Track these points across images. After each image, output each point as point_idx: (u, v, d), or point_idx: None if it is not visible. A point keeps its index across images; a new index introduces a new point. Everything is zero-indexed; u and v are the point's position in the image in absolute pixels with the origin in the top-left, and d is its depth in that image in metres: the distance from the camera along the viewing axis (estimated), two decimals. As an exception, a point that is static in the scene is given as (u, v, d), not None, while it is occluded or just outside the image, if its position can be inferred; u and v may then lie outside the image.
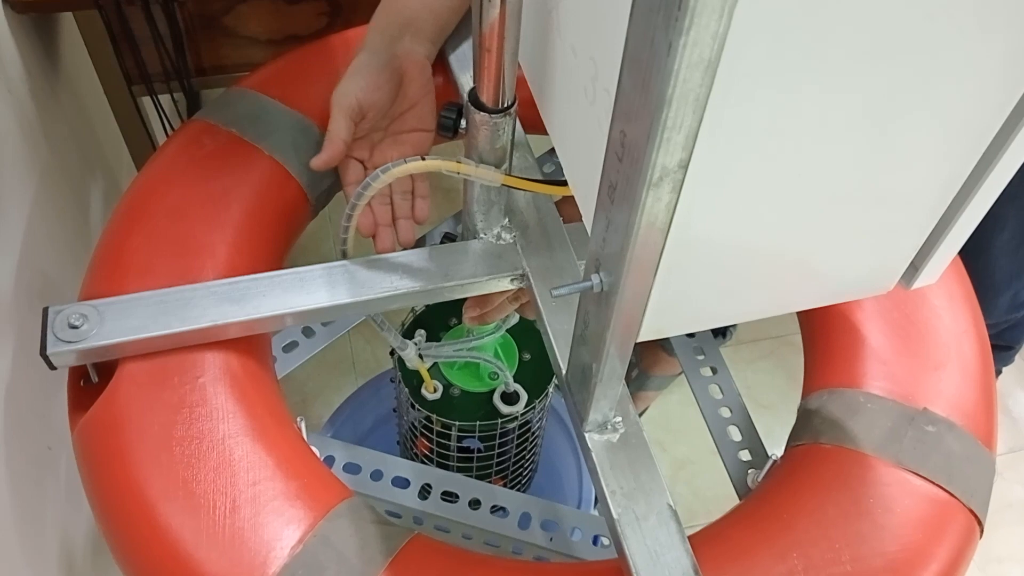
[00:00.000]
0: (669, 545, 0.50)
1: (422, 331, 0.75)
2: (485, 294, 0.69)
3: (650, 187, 0.34)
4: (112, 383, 0.55)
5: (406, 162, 0.55)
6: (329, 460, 0.72)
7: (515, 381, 0.77)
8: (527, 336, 0.80)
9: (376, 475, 0.71)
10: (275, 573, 0.48)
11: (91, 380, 0.57)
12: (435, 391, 0.76)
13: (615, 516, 0.51)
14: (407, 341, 0.72)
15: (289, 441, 0.55)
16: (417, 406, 0.76)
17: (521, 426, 0.78)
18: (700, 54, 0.29)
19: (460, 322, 0.80)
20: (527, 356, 0.80)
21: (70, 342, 0.53)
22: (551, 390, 0.79)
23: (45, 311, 0.55)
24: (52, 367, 0.54)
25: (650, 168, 0.33)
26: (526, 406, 0.76)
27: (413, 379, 0.76)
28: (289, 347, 0.78)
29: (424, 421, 0.77)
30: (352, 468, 0.71)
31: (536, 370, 0.79)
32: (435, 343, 0.76)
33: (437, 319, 0.81)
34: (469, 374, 0.79)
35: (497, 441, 0.78)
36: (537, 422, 0.82)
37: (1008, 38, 0.35)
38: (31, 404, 0.73)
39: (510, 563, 0.55)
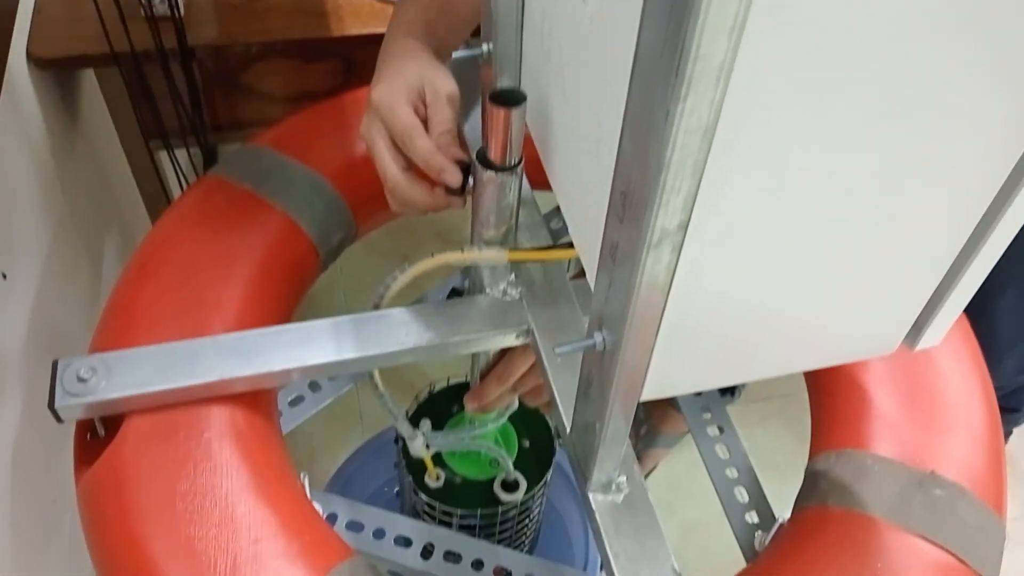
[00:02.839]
0: (674, 610, 0.49)
1: (427, 420, 0.76)
2: (484, 387, 0.71)
3: (650, 248, 0.34)
4: (118, 437, 0.55)
5: (415, 265, 0.58)
6: (332, 518, 0.71)
7: (515, 468, 0.78)
8: (526, 423, 0.82)
9: (379, 533, 0.70)
10: (274, 633, 0.48)
11: (97, 433, 0.57)
12: (438, 479, 0.78)
13: (618, 579, 0.50)
14: (416, 431, 0.73)
15: (292, 498, 0.55)
16: (420, 493, 0.77)
17: (521, 511, 0.80)
18: (698, 120, 0.29)
19: (462, 409, 0.82)
20: (526, 443, 0.82)
21: (78, 395, 0.54)
22: (549, 477, 0.81)
23: (55, 364, 0.55)
24: (60, 420, 0.54)
25: (650, 230, 0.33)
26: (526, 494, 0.78)
27: (416, 466, 0.78)
28: (295, 401, 0.78)
29: (427, 507, 0.77)
30: (355, 526, 0.70)
31: (536, 456, 0.81)
32: (440, 432, 0.77)
33: (440, 407, 0.83)
34: (470, 461, 0.81)
35: (498, 528, 0.79)
36: (537, 507, 0.83)
37: (1006, 104, 0.36)
38: (38, 457, 0.73)
39: (512, 625, 0.54)
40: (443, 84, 0.56)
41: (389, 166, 0.57)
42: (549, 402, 0.71)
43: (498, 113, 0.49)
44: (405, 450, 0.76)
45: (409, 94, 0.56)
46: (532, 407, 0.79)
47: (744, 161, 0.34)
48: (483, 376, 0.74)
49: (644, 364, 0.42)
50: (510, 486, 0.78)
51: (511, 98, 0.49)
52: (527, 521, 0.82)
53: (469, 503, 0.76)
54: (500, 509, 0.77)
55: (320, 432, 1.43)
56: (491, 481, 0.79)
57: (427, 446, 0.74)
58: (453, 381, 0.85)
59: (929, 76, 0.34)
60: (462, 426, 0.80)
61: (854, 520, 0.55)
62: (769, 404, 1.51)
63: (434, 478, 0.78)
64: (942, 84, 0.34)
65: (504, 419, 0.78)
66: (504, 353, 0.70)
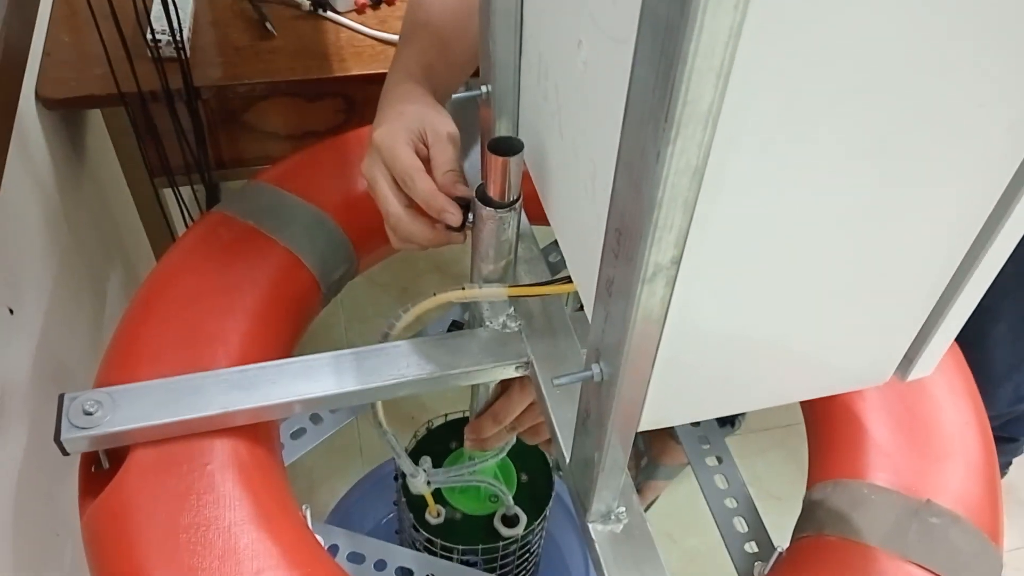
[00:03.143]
0: (673, 639, 0.50)
1: (427, 457, 0.77)
2: (481, 424, 0.72)
3: (644, 282, 0.35)
4: (122, 470, 0.56)
5: (418, 304, 0.60)
6: (333, 549, 0.71)
7: (514, 502, 0.80)
8: (524, 458, 0.83)
9: (380, 565, 0.70)
10: (276, 664, 0.48)
11: (102, 466, 0.58)
12: (438, 516, 0.79)
13: (618, 609, 0.50)
14: (419, 468, 0.74)
15: (294, 529, 0.56)
16: (420, 530, 0.78)
17: (521, 546, 0.81)
18: (687, 161, 0.31)
19: (460, 445, 0.83)
20: (524, 478, 0.83)
21: (84, 428, 0.55)
22: (548, 511, 0.82)
23: (61, 398, 0.56)
24: (65, 453, 0.55)
25: (644, 265, 0.34)
26: (525, 528, 0.79)
27: (416, 503, 0.79)
28: (297, 433, 0.79)
29: (427, 544, 0.78)
30: (356, 557, 0.71)
31: (534, 491, 0.82)
32: (441, 469, 0.79)
33: (439, 444, 0.84)
34: (469, 497, 0.82)
35: (499, 563, 0.80)
36: (537, 541, 0.84)
37: (987, 144, 0.37)
38: (41, 490, 0.74)
39: (513, 657, 0.54)
40: (443, 125, 0.58)
41: (391, 203, 0.58)
42: (548, 440, 0.72)
43: (496, 161, 0.50)
44: (405, 488, 0.77)
45: (410, 135, 0.57)
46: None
47: (733, 199, 0.35)
48: (481, 413, 0.75)
49: (641, 395, 0.43)
50: (510, 521, 0.79)
51: (509, 147, 0.50)
52: (527, 555, 0.83)
53: (470, 539, 0.77)
54: (500, 544, 0.77)
55: (320, 465, 1.43)
56: (491, 517, 0.80)
57: (428, 483, 0.75)
58: (451, 417, 0.86)
59: (916, 115, 0.35)
60: (461, 462, 0.81)
61: (851, 549, 0.56)
62: (769, 435, 1.52)
63: (434, 515, 0.79)
64: (929, 121, 0.35)
65: (503, 455, 0.79)
66: (502, 392, 0.71)
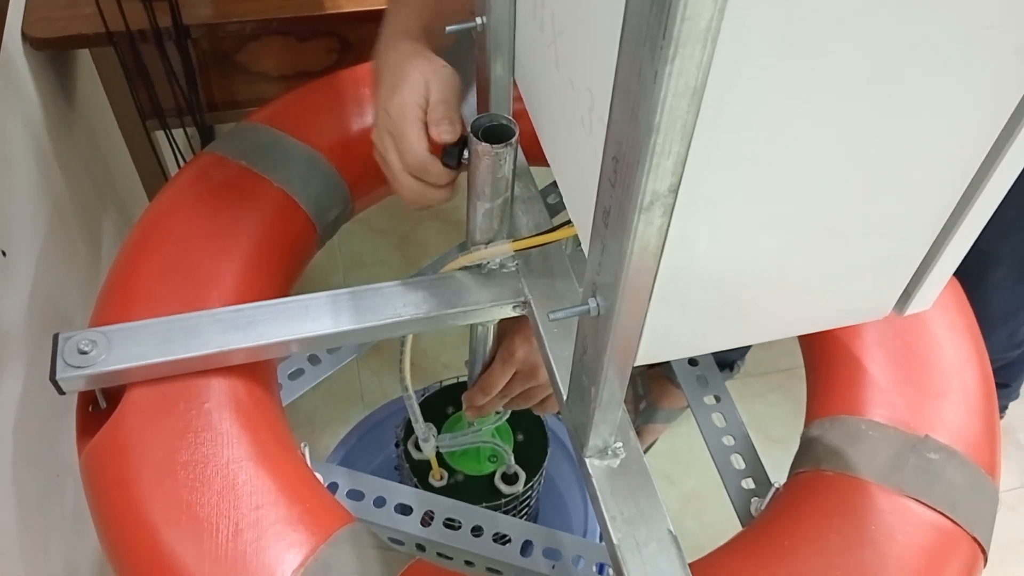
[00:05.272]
0: (670, 572, 0.50)
1: (431, 424, 0.79)
2: (471, 395, 0.75)
3: (641, 211, 0.35)
4: (119, 409, 0.56)
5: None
6: (333, 487, 0.72)
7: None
8: (519, 418, 0.85)
9: (379, 502, 0.71)
10: (276, 597, 0.48)
11: (99, 406, 0.58)
12: (441, 478, 0.82)
13: (615, 542, 0.51)
14: (432, 435, 0.77)
15: (292, 466, 0.56)
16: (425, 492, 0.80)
17: (520, 502, 0.83)
18: (686, 83, 0.30)
19: (457, 411, 0.86)
20: (520, 437, 0.86)
21: (79, 367, 0.54)
22: (545, 468, 0.85)
23: (55, 337, 0.56)
24: (61, 392, 0.55)
25: (641, 193, 0.34)
26: (524, 485, 0.81)
27: (419, 467, 0.82)
28: (295, 374, 0.79)
29: None
30: (355, 495, 0.71)
31: (530, 449, 0.85)
32: (447, 434, 0.82)
33: (437, 409, 0.86)
34: (470, 459, 0.84)
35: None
36: (535, 496, 0.87)
37: (994, 69, 0.36)
38: (40, 432, 0.74)
39: (511, 590, 0.55)
40: (443, 80, 0.57)
41: (403, 179, 0.58)
42: (538, 404, 0.75)
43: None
44: (407, 453, 0.79)
45: (419, 111, 0.56)
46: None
47: (733, 124, 0.34)
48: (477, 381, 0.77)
49: (638, 328, 0.43)
50: (509, 479, 0.82)
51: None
52: (526, 511, 0.86)
53: (472, 499, 0.79)
54: (503, 502, 0.80)
55: (321, 410, 1.44)
56: (491, 476, 0.82)
57: (436, 447, 0.78)
58: (446, 383, 0.88)
59: (922, 36, 0.34)
60: (459, 426, 0.84)
61: (848, 484, 0.56)
62: (766, 379, 1.52)
63: (438, 477, 0.81)
64: (935, 42, 0.34)
65: (503, 420, 0.82)
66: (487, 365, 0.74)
